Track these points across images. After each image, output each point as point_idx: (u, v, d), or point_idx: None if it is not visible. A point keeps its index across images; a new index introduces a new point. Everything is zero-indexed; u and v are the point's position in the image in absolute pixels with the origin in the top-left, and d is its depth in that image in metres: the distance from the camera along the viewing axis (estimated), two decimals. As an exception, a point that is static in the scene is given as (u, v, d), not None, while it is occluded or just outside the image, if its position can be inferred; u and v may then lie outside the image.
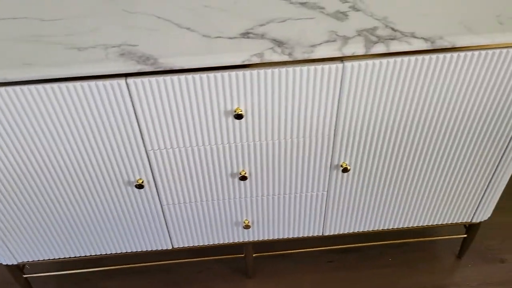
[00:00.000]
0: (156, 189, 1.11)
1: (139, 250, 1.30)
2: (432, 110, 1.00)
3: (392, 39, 0.89)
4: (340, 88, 0.94)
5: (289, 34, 0.91)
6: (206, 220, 1.23)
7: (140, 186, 1.07)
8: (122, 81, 0.88)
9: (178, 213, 1.19)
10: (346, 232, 1.32)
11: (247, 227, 1.24)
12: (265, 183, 1.14)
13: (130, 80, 0.88)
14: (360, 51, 0.88)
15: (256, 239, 1.31)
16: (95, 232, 1.22)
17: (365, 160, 1.10)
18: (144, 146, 1.01)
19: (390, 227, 1.32)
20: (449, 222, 1.34)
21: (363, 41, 0.88)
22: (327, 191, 1.18)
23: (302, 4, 1.01)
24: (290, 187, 1.16)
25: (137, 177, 1.07)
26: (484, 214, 1.31)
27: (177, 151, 1.03)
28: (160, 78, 0.88)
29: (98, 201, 1.13)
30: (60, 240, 1.23)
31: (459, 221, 1.33)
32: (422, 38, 0.88)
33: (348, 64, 0.89)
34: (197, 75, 0.89)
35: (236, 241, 1.31)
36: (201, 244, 1.31)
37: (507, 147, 1.11)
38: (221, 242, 1.31)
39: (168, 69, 0.87)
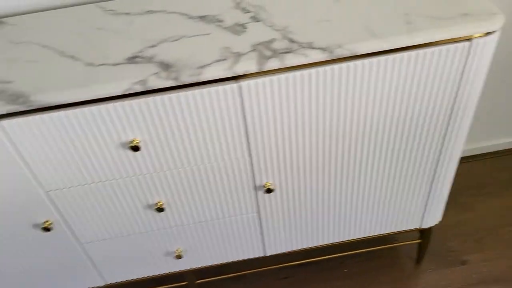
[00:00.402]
0: (70, 228, 1.03)
1: (71, 289, 1.22)
2: (344, 121, 0.92)
3: (287, 52, 0.81)
4: (243, 108, 0.86)
5: (180, 55, 0.83)
6: (134, 253, 1.15)
7: (47, 229, 0.99)
8: (-6, 123, 0.80)
9: (101, 250, 1.11)
10: (289, 250, 1.24)
11: (178, 257, 1.16)
12: (188, 211, 1.06)
13: (4, 122, 0.80)
14: (253, 68, 0.80)
15: (193, 267, 1.23)
16: (20, 279, 1.14)
17: (290, 177, 1.02)
18: (42, 187, 0.93)
19: (336, 241, 1.25)
20: (398, 230, 1.26)
21: (257, 57, 0.80)
22: (257, 212, 1.10)
23: (201, 18, 0.93)
24: (216, 212, 1.08)
25: (43, 219, 0.99)
26: (433, 218, 1.24)
27: (80, 189, 0.95)
28: (37, 116, 0.80)
29: (13, 249, 1.05)
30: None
31: (408, 228, 1.25)
32: (319, 48, 0.80)
33: (244, 83, 0.82)
34: (77, 110, 0.80)
35: (172, 271, 1.23)
36: (135, 277, 1.23)
37: (440, 152, 1.03)
38: (156, 273, 1.23)
39: (41, 106, 0.78)
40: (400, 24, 0.83)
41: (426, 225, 1.26)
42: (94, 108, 0.80)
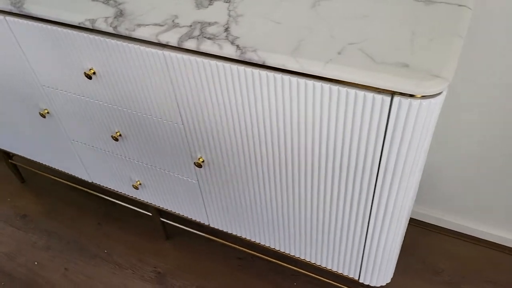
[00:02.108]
0: (61, 123, 1.26)
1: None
2: (261, 124, 0.89)
3: (210, 38, 0.81)
4: (170, 76, 0.91)
5: (138, 9, 0.91)
6: (108, 168, 1.33)
7: (43, 115, 1.23)
8: (3, 17, 1.02)
9: (85, 151, 1.32)
10: (227, 231, 1.27)
11: (136, 187, 1.30)
12: (139, 150, 1.17)
13: (8, 18, 1.02)
14: (173, 42, 0.83)
15: (147, 200, 1.36)
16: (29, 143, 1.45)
17: (220, 159, 1.04)
18: (39, 81, 1.15)
19: (275, 248, 1.22)
20: (338, 271, 1.16)
21: (184, 33, 0.83)
22: (197, 181, 1.15)
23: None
24: (162, 164, 1.17)
25: (43, 107, 1.24)
26: (375, 277, 1.10)
27: (63, 93, 1.14)
28: (29, 22, 0.99)
29: (24, 121, 1.34)
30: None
31: (345, 274, 1.15)
32: (236, 45, 0.78)
33: (166, 53, 0.86)
34: (56, 28, 0.97)
35: (134, 196, 1.39)
36: (111, 187, 1.43)
37: (371, 204, 0.91)
38: (124, 192, 1.40)
39: (27, 14, 0.97)
40: (331, 51, 0.74)
41: (366, 281, 1.13)
42: (64, 30, 0.96)
